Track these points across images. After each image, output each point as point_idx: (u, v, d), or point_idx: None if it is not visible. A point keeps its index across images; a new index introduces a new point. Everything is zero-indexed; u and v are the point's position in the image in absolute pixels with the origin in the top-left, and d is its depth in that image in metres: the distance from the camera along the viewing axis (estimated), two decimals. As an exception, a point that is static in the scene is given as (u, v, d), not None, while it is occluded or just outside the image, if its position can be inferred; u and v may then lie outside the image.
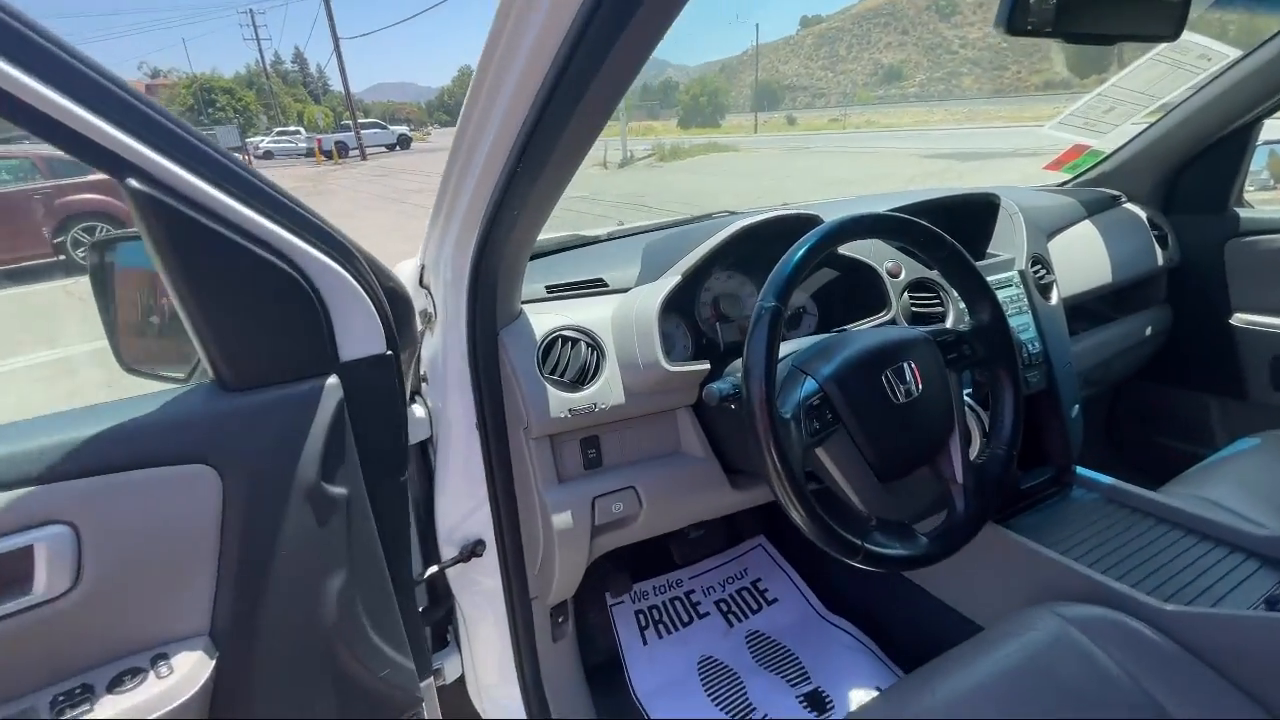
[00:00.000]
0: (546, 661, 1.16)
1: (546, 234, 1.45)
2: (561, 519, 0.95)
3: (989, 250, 1.36)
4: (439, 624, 1.18)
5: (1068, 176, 1.85)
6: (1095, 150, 1.76)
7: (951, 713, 0.78)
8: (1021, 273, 1.27)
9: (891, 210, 1.22)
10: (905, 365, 0.80)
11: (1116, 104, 1.58)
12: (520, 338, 0.92)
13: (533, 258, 1.26)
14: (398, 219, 10.34)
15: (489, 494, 0.98)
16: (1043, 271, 1.32)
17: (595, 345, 0.96)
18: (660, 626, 1.49)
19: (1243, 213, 1.62)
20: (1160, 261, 1.64)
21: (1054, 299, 1.31)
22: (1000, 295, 1.22)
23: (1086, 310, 1.68)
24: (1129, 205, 1.71)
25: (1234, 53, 1.45)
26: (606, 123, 0.64)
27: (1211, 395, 1.72)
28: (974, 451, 1.05)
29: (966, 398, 1.07)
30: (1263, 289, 1.62)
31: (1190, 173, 1.68)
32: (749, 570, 1.64)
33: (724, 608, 1.55)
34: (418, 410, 0.99)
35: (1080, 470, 1.29)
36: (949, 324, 1.16)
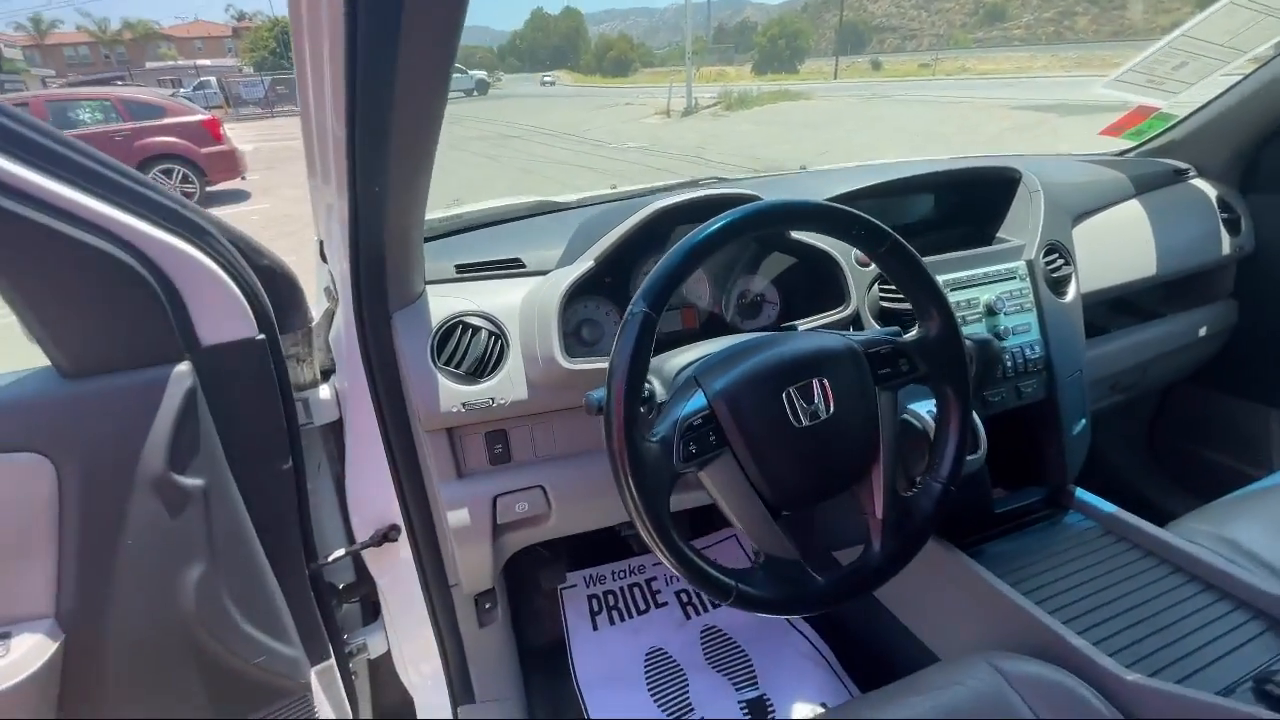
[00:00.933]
0: (473, 647, 1.13)
1: (514, 199, 1.37)
2: (457, 516, 0.90)
3: (999, 235, 1.18)
4: (368, 597, 1.17)
5: (1130, 144, 1.59)
6: (1165, 114, 1.49)
7: None
8: (1030, 263, 1.09)
9: (864, 186, 1.08)
10: (815, 383, 0.69)
11: (1189, 59, 1.32)
12: (414, 323, 0.85)
13: (478, 227, 1.18)
14: (454, 166, 10.39)
15: (394, 483, 0.94)
16: (1059, 262, 1.13)
17: (500, 334, 0.88)
18: (614, 613, 1.45)
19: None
20: (1226, 250, 1.39)
21: (1070, 295, 1.13)
22: (999, 289, 1.06)
23: (1129, 304, 1.46)
24: (1197, 181, 1.45)
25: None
26: (447, 75, 0.56)
27: (1274, 409, 1.48)
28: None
29: (933, 410, 0.94)
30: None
31: (1276, 145, 1.40)
32: (718, 562, 1.56)
33: (684, 598, 1.49)
34: (324, 391, 0.95)
35: (1080, 494, 1.14)
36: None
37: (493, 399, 0.86)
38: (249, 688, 0.81)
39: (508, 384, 0.87)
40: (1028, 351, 1.06)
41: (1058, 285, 1.12)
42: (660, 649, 1.37)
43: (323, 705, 0.92)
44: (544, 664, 1.36)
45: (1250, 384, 1.52)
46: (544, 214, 1.25)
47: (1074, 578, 0.98)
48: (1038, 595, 0.94)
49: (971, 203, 1.22)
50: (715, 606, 1.48)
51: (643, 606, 1.47)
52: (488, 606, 1.14)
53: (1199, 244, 1.37)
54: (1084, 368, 1.14)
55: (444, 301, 0.88)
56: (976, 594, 0.97)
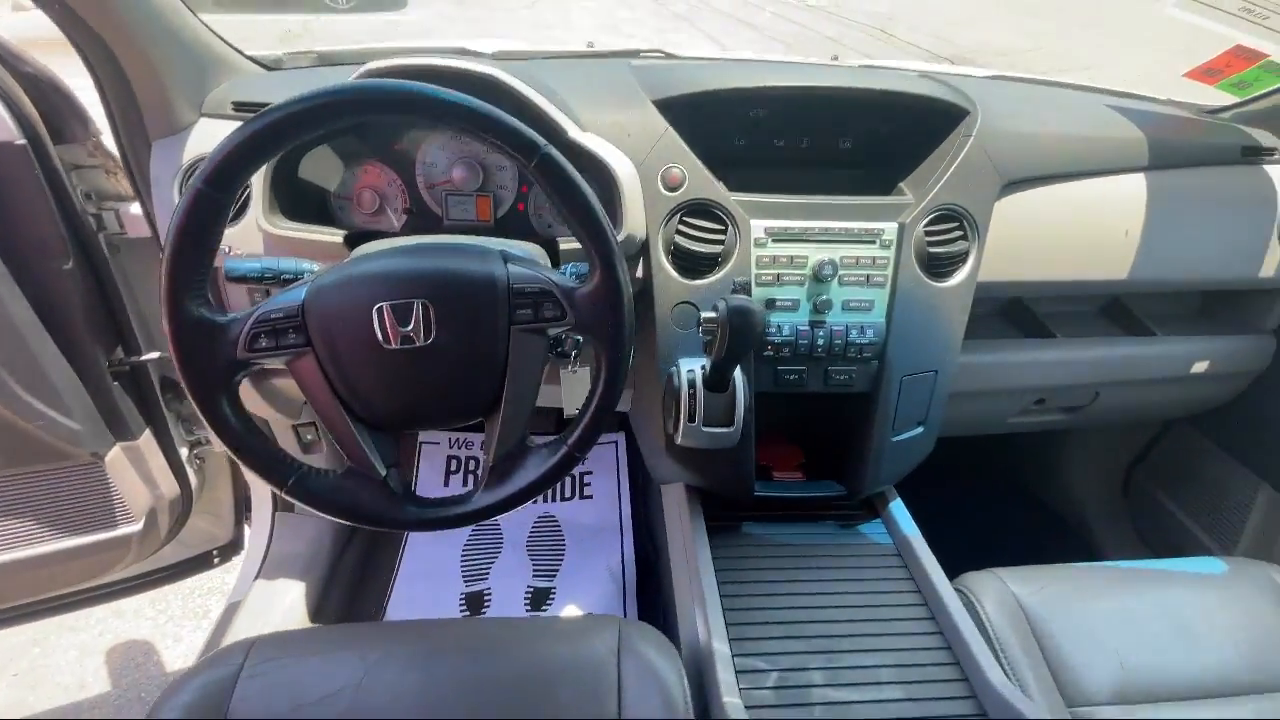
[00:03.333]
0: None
1: (437, 41, 1.28)
2: None
3: (903, 184, 0.95)
4: None
5: (1231, 99, 1.16)
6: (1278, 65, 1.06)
7: (466, 667, 0.74)
8: (902, 226, 0.88)
9: (738, 87, 0.89)
10: (416, 305, 0.63)
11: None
12: (169, 154, 0.87)
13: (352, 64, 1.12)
14: (611, 5, 9.79)
15: None
16: (954, 235, 0.90)
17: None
18: (470, 477, 1.53)
19: None
20: (1269, 271, 1.03)
21: (956, 279, 0.91)
22: (844, 252, 0.88)
23: (1125, 308, 1.15)
24: (1278, 169, 1.05)
25: None
26: None
27: (1265, 483, 1.16)
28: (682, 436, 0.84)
29: (696, 372, 0.84)
30: None
31: None
32: (589, 460, 1.58)
33: (539, 484, 1.54)
34: (135, 207, 1.01)
35: (895, 505, 1.00)
36: (720, 273, 0.87)
37: (229, 248, 0.87)
38: (30, 444, 0.97)
39: (247, 233, 0.87)
40: (854, 334, 0.89)
41: (937, 264, 0.90)
42: (494, 520, 1.45)
43: (122, 475, 1.08)
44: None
45: (1250, 447, 1.19)
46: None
47: (810, 585, 0.90)
48: (745, 588, 0.88)
49: (903, 136, 0.97)
50: (565, 499, 1.52)
51: (498, 479, 1.54)
52: (308, 438, 1.25)
53: (1224, 254, 1.02)
54: (947, 370, 0.94)
55: (206, 140, 0.87)
56: (689, 562, 0.92)
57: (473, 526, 1.44)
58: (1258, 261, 1.02)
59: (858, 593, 0.89)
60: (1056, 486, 1.56)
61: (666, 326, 0.88)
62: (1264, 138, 1.07)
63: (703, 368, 0.85)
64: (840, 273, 0.87)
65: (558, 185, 0.61)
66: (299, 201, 0.90)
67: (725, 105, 0.92)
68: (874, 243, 0.88)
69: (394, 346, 0.63)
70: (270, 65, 1.05)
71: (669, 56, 1.22)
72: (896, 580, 0.91)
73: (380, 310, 0.62)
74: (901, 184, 0.94)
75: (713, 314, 0.76)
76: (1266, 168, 1.04)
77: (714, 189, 0.86)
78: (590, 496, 1.51)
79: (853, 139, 0.99)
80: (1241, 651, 0.85)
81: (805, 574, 0.91)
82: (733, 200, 0.86)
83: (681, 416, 0.84)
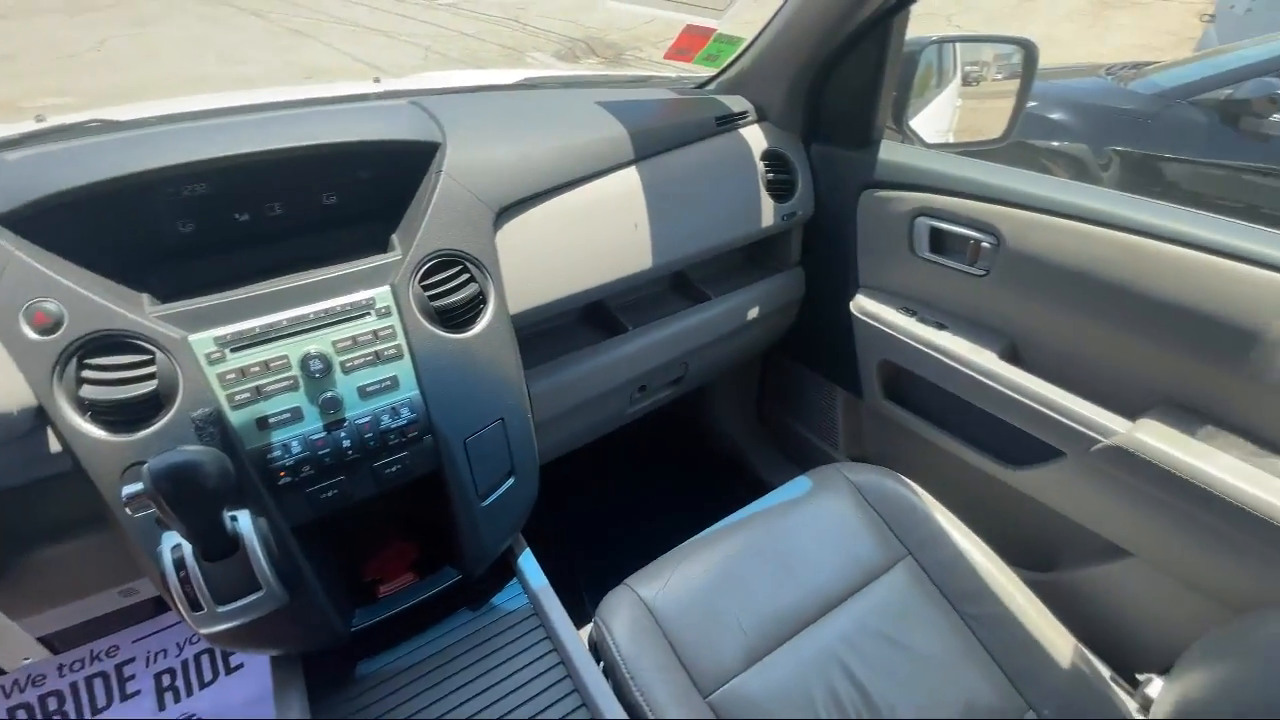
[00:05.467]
0: None
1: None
2: None
3: (394, 236, 0.84)
4: None
5: (711, 72, 1.29)
6: (730, 36, 1.19)
7: None
8: (394, 287, 0.77)
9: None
10: None
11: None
12: None
13: None
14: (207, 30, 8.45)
15: None
16: (462, 280, 0.83)
17: None
18: (56, 717, 1.14)
19: (885, 152, 1.14)
20: (769, 220, 1.16)
21: (480, 325, 0.84)
22: (338, 335, 0.74)
23: (686, 282, 1.23)
24: (750, 130, 1.18)
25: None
26: None
27: (839, 386, 1.37)
28: None
29: (183, 548, 0.64)
30: (882, 267, 1.18)
31: (837, 83, 1.15)
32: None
33: (166, 681, 1.20)
34: None
35: (523, 560, 0.93)
36: (169, 414, 0.69)
37: None
38: None
39: None
40: (387, 419, 0.77)
41: (453, 315, 0.82)
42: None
43: None
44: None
45: (819, 357, 1.39)
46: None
47: (439, 706, 0.78)
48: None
49: (386, 181, 0.86)
50: (206, 684, 1.21)
51: (104, 702, 1.17)
52: None
53: (729, 218, 1.13)
54: (516, 411, 0.88)
55: None
56: None
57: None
58: (757, 215, 1.15)
59: (496, 683, 0.81)
60: (715, 434, 1.69)
61: (119, 504, 0.67)
62: (737, 103, 1.19)
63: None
64: (339, 360, 0.74)
65: None
66: None
67: (133, 195, 0.72)
68: (368, 315, 0.76)
69: None
70: None
71: (107, 125, 0.95)
72: (533, 647, 0.84)
73: None
74: (393, 236, 0.83)
75: (136, 487, 0.58)
76: (742, 131, 1.16)
77: (112, 315, 0.65)
78: (239, 665, 1.23)
79: (336, 193, 0.85)
80: (833, 562, 0.94)
81: (432, 692, 0.80)
82: (152, 319, 0.67)
83: (182, 608, 0.65)
